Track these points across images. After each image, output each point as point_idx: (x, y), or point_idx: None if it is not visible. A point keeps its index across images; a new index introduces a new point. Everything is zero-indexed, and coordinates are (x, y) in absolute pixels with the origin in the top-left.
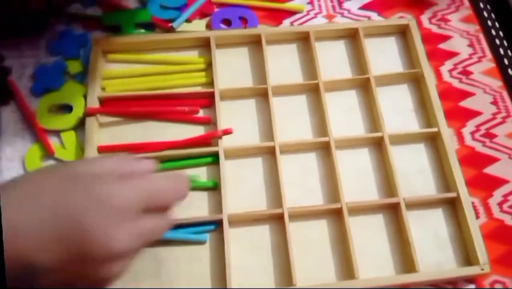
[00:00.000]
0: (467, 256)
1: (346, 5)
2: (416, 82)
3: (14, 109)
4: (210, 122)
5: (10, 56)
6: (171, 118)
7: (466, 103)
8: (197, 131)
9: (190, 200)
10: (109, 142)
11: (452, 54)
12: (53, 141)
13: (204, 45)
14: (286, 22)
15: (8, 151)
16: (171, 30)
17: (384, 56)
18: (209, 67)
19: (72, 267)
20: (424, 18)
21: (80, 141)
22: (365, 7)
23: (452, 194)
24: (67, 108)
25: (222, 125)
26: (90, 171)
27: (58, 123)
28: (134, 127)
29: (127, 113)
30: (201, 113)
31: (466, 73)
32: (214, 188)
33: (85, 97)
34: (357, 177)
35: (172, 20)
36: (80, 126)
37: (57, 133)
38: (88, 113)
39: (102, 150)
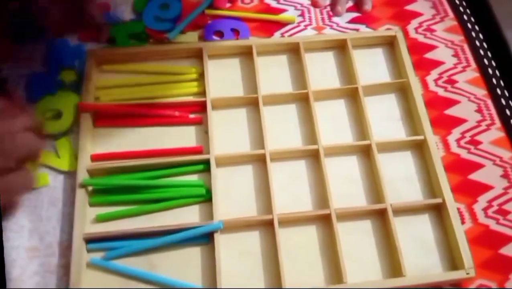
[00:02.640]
0: (452, 261)
1: (335, 18)
2: (403, 91)
3: None
4: (201, 121)
5: (6, 68)
6: (163, 122)
7: (451, 111)
8: (190, 133)
9: (181, 208)
10: (102, 147)
11: (437, 64)
12: (47, 150)
13: (196, 55)
14: (277, 34)
15: None
16: (166, 40)
17: (372, 66)
18: (201, 77)
19: None
20: (411, 28)
21: (74, 149)
22: (353, 21)
23: (438, 200)
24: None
25: (214, 133)
26: None
27: (49, 127)
28: (127, 132)
29: (120, 113)
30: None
31: (451, 82)
32: (206, 196)
33: (77, 106)
34: (346, 183)
35: (166, 31)
36: (74, 134)
37: (50, 140)
38: (82, 109)
39: (96, 158)
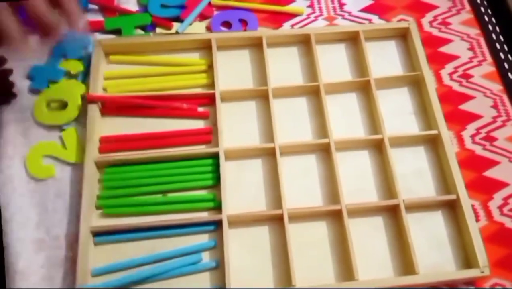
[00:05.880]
0: (466, 259)
1: (346, 7)
2: (416, 85)
3: (16, 109)
4: (208, 116)
5: (12, 58)
6: (171, 114)
7: (466, 106)
8: (198, 126)
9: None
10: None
11: (452, 58)
12: (54, 141)
13: (205, 47)
14: (286, 25)
15: (9, 149)
16: (172, 27)
17: (384, 59)
18: (209, 68)
19: None
20: (425, 22)
21: (81, 141)
22: (365, 10)
23: (452, 197)
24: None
25: (222, 126)
26: None
27: (54, 118)
28: (134, 124)
29: (128, 104)
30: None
31: (466, 76)
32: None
33: (84, 96)
34: (357, 179)
35: (173, 19)
36: (80, 125)
37: (56, 131)
38: (89, 100)
39: (104, 140)
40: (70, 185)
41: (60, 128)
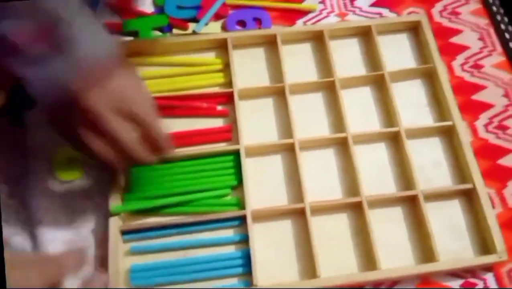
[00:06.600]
0: (484, 245)
1: (357, 3)
2: (429, 77)
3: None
4: (227, 114)
5: None
6: (191, 114)
7: (478, 96)
8: (217, 124)
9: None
10: None
11: (463, 48)
12: None
13: (220, 46)
14: (300, 22)
15: (37, 152)
16: (188, 28)
17: (397, 52)
18: (226, 67)
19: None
20: (435, 12)
21: None
22: (376, 4)
23: (468, 186)
24: None
25: (241, 123)
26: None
27: None
28: None
29: None
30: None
31: (477, 66)
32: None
33: None
34: (375, 171)
35: (189, 20)
36: None
37: None
38: None
39: None
40: (96, 185)
41: None
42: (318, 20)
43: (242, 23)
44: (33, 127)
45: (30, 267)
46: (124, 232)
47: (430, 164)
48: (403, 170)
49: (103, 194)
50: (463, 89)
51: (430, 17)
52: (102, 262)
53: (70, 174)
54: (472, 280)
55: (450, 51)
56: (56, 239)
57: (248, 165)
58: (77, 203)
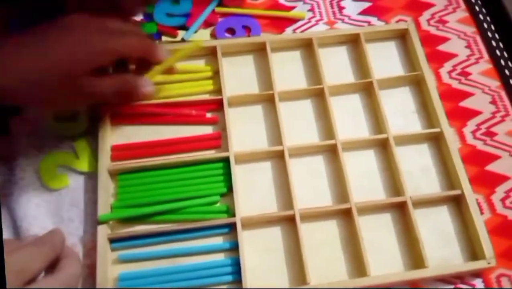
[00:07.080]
0: (473, 251)
1: (346, 11)
2: (417, 84)
3: (26, 120)
4: (217, 122)
5: None
6: (180, 121)
7: (466, 103)
8: (207, 132)
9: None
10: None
11: (450, 56)
12: (66, 151)
13: (209, 53)
14: (289, 30)
15: (22, 161)
16: (177, 35)
17: (385, 59)
18: (215, 75)
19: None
20: (423, 20)
21: (93, 150)
22: (364, 12)
23: (457, 192)
24: (72, 119)
25: (231, 131)
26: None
27: (65, 129)
28: (145, 131)
29: (138, 113)
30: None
31: (464, 74)
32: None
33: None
34: (364, 177)
35: (178, 27)
36: (91, 135)
37: (69, 141)
38: (100, 110)
39: (116, 148)
40: (84, 194)
41: (72, 138)
42: (307, 28)
43: (232, 31)
44: (17, 136)
45: (27, 247)
46: (112, 240)
47: (419, 171)
48: (392, 177)
49: (90, 202)
50: (451, 96)
51: (417, 25)
52: (91, 270)
53: (57, 182)
54: (461, 285)
55: (437, 58)
56: None
57: (238, 172)
58: (65, 211)
